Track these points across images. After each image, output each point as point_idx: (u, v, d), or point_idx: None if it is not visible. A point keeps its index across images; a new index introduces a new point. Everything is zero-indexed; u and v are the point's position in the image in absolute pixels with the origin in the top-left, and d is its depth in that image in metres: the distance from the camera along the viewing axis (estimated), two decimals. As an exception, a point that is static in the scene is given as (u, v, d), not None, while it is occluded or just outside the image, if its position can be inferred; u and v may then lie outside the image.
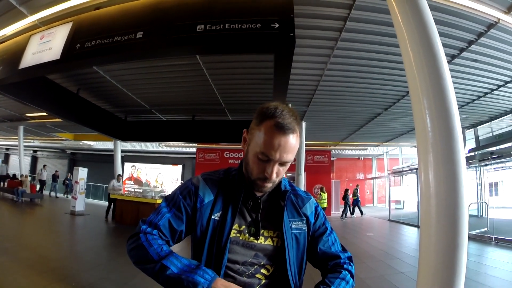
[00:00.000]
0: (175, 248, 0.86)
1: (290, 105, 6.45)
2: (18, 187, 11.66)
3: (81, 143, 18.48)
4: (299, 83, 6.66)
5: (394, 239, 8.41)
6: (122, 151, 13.37)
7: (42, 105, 6.53)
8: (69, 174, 16.26)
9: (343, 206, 13.70)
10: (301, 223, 1.01)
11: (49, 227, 7.48)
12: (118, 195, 9.50)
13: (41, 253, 4.72)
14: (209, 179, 1.00)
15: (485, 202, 8.96)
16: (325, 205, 12.08)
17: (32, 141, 18.51)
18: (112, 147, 12.82)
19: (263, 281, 0.93)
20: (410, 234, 8.93)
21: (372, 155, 19.73)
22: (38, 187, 13.97)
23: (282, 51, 3.57)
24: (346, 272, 0.96)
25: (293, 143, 0.87)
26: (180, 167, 19.50)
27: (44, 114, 9.62)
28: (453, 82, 2.23)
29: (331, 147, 15.53)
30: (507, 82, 6.57)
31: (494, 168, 9.82)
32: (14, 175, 13.86)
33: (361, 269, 4.70)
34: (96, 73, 6.40)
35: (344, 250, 1.05)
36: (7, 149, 22.95)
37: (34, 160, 23.40)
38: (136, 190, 12.76)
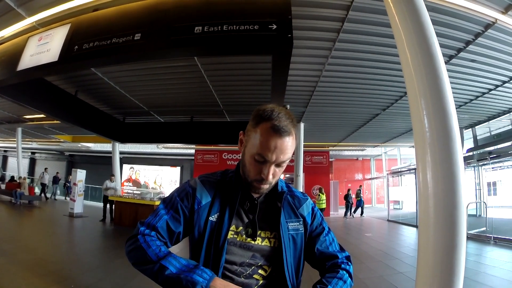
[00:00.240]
0: (175, 249, 0.87)
1: (288, 106, 6.48)
2: (17, 189, 11.62)
3: (79, 145, 18.44)
4: (297, 84, 6.68)
5: (393, 239, 8.42)
6: (121, 152, 13.34)
7: (40, 107, 6.52)
8: (70, 176, 16.25)
9: (345, 206, 13.71)
10: (298, 223, 1.01)
11: (47, 229, 7.45)
12: (116, 196, 9.47)
13: (39, 255, 4.70)
14: (207, 181, 1.01)
15: (484, 202, 8.98)
16: (324, 205, 12.10)
17: (30, 143, 18.47)
18: (110, 149, 12.79)
19: (261, 282, 0.93)
20: (409, 234, 8.94)
21: (370, 155, 19.77)
22: (36, 189, 13.93)
23: (280, 52, 3.58)
24: (344, 271, 0.97)
25: (289, 145, 0.88)
26: (178, 168, 19.50)
27: (42, 116, 9.62)
28: (451, 82, 2.23)
29: (330, 148, 15.56)
30: (504, 82, 6.60)
31: (493, 168, 9.84)
32: (13, 177, 13.81)
33: (360, 270, 4.70)
34: (94, 75, 6.39)
35: (342, 250, 1.05)
36: (5, 151, 22.88)
37: (33, 162, 23.34)
38: (134, 192, 12.75)
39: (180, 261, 0.84)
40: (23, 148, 14.30)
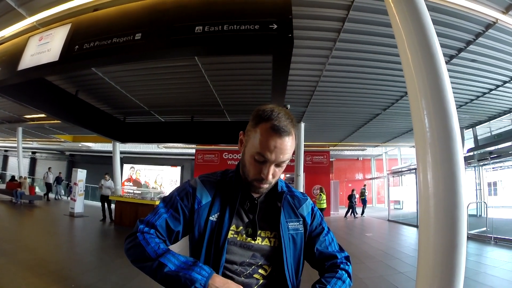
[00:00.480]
0: (174, 249, 0.87)
1: (288, 106, 6.47)
2: (17, 188, 11.63)
3: (80, 145, 18.46)
4: (297, 84, 6.67)
5: (393, 239, 8.42)
6: (121, 152, 13.36)
7: (41, 106, 6.52)
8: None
9: (348, 206, 13.68)
10: (298, 223, 1.02)
11: (48, 229, 7.46)
12: (114, 196, 9.48)
13: (40, 255, 4.71)
14: (207, 180, 1.01)
15: (484, 202, 8.97)
16: (324, 205, 12.09)
17: (31, 142, 18.48)
18: (111, 149, 12.80)
19: (261, 281, 0.94)
20: (409, 234, 8.94)
21: (371, 155, 19.76)
22: (37, 189, 13.90)
23: (280, 52, 3.58)
24: (343, 271, 0.97)
25: (289, 145, 0.88)
26: (179, 168, 19.52)
27: (43, 115, 9.62)
28: (452, 82, 2.23)
29: (330, 148, 15.56)
30: (505, 82, 6.59)
31: (493, 168, 9.83)
32: (13, 177, 13.82)
33: (360, 270, 4.70)
34: (95, 75, 6.39)
35: (341, 250, 1.06)
36: (5, 150, 22.92)
37: (33, 161, 23.37)
38: (135, 191, 12.75)
39: (179, 258, 0.84)
40: (23, 147, 14.32)
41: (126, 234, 0.92)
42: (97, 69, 6.08)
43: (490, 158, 8.68)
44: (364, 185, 15.70)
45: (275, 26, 3.24)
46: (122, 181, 16.16)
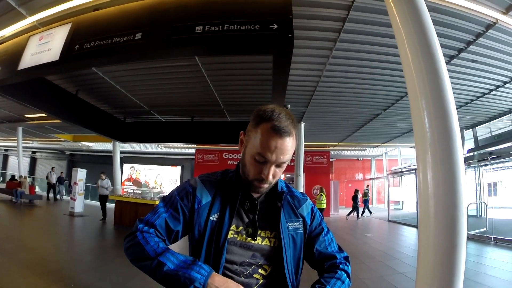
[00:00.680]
0: (174, 249, 0.87)
1: (288, 106, 6.47)
2: (17, 188, 11.63)
3: (80, 144, 18.46)
4: (298, 84, 6.67)
5: (393, 240, 8.42)
6: (121, 152, 13.36)
7: (41, 106, 6.52)
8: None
9: (352, 206, 13.64)
10: (298, 223, 1.02)
11: (48, 229, 7.46)
12: (116, 195, 9.47)
13: (40, 254, 4.71)
14: (207, 180, 1.01)
15: (484, 202, 8.97)
16: (324, 205, 12.08)
17: (31, 142, 18.48)
18: (111, 148, 12.82)
19: (261, 281, 0.94)
20: (409, 235, 8.94)
21: (371, 155, 19.75)
22: (37, 188, 13.87)
23: (280, 52, 3.58)
24: (342, 272, 0.97)
25: (290, 145, 0.88)
26: (179, 168, 19.51)
27: (43, 115, 9.61)
28: (452, 83, 2.23)
29: (330, 148, 15.55)
30: (505, 83, 6.59)
31: (493, 168, 9.83)
32: (13, 176, 13.81)
33: (360, 270, 4.70)
34: (95, 74, 6.40)
35: (340, 250, 1.06)
36: (6, 150, 22.92)
37: (33, 161, 23.37)
38: (135, 191, 12.76)
39: (178, 257, 0.84)
40: (23, 147, 14.32)
41: (125, 233, 0.92)
42: (97, 68, 6.08)
43: (490, 158, 8.68)
44: (367, 186, 15.66)
45: (275, 26, 3.24)
46: (122, 181, 16.15)
